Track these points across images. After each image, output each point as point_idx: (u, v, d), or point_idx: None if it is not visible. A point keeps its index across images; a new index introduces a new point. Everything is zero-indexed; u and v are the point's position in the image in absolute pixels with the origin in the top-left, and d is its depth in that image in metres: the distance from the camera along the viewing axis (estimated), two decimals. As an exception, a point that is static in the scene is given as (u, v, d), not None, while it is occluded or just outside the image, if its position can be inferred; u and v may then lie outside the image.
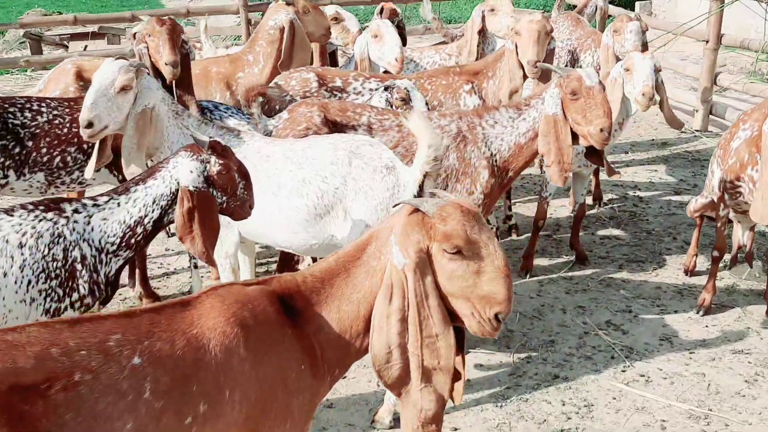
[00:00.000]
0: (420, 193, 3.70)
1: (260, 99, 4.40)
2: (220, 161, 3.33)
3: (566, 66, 6.86)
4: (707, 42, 9.09)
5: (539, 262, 5.87)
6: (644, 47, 6.19)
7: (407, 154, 4.38)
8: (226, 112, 4.77)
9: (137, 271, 5.11)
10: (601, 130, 4.13)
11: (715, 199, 4.96)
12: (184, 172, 3.29)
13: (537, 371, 4.48)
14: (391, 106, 4.68)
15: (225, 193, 3.41)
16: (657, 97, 5.28)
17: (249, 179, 3.51)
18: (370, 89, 5.07)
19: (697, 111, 9.46)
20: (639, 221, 6.63)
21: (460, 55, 6.36)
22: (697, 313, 5.07)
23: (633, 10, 16.39)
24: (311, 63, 6.23)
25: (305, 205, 3.84)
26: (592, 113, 4.15)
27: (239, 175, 3.45)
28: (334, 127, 4.38)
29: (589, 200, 6.99)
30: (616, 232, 6.43)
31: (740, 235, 5.37)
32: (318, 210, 3.84)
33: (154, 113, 3.90)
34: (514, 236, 6.32)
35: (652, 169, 7.94)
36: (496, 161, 4.40)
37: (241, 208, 3.49)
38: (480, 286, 2.35)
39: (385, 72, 5.56)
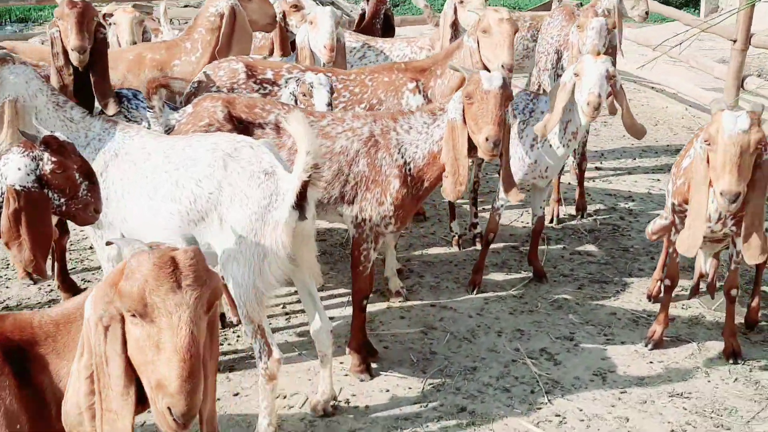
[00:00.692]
0: (302, 203, 3.37)
1: (162, 91, 4.11)
2: (53, 158, 3.07)
3: (552, 67, 6.36)
4: (735, 42, 8.40)
5: (494, 276, 5.46)
6: (612, 48, 5.65)
7: (311, 159, 4.04)
8: (143, 102, 4.50)
9: (55, 264, 4.92)
10: (486, 140, 3.71)
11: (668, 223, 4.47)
12: (12, 169, 3.04)
13: (444, 402, 4.10)
14: (296, 102, 4.36)
15: (63, 194, 3.15)
16: (617, 107, 4.80)
17: (94, 179, 3.24)
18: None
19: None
20: (620, 236, 6.12)
21: (432, 49, 5.95)
22: (645, 346, 4.60)
23: (698, 5, 15.49)
24: (270, 52, 5.94)
25: (178, 210, 3.55)
26: (482, 120, 3.73)
27: (81, 175, 3.18)
28: (239, 124, 4.08)
29: (571, 210, 6.53)
30: (590, 247, 5.94)
31: (702, 263, 4.84)
32: (191, 216, 3.54)
33: (18, 105, 3.66)
34: (478, 245, 5.90)
35: (655, 178, 7.37)
36: (409, 170, 4.02)
37: (83, 212, 3.23)
38: (156, 366, 1.95)
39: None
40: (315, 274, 3.69)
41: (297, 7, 5.73)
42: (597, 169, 7.63)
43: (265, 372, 3.55)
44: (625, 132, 4.94)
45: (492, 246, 5.87)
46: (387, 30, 7.16)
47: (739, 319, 4.76)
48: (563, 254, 5.83)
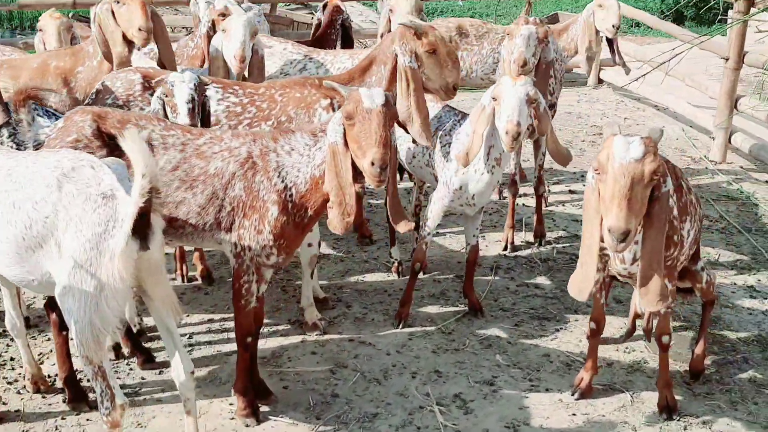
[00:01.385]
0: (144, 231, 3.00)
1: (30, 103, 3.78)
2: None
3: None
4: (727, 60, 7.88)
5: (427, 309, 5.03)
6: (546, 64, 5.19)
7: (187, 179, 3.67)
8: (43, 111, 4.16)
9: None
10: (372, 164, 3.30)
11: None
12: None
13: (331, 453, 3.69)
14: (164, 105, 4.02)
15: None
16: (537, 134, 4.36)
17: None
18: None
19: (714, 138, 8.29)
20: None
21: (376, 62, 5.56)
22: (572, 395, 4.13)
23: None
24: (202, 62, 5.59)
25: (14, 234, 3.20)
26: (365, 142, 3.32)
27: None
28: (110, 140, 3.72)
29: (530, 237, 6.08)
30: (540, 279, 5.48)
31: (636, 302, 4.37)
32: (27, 242, 3.18)
33: None
34: (420, 274, 5.46)
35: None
36: (290, 196, 3.62)
37: None
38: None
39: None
40: (171, 308, 3.31)
41: (224, 16, 5.37)
42: (570, 192, 7.16)
43: (106, 419, 3.17)
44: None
45: (434, 275, 5.47)
46: (346, 41, 6.80)
47: (685, 367, 4.30)
48: (509, 285, 5.37)
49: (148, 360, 4.34)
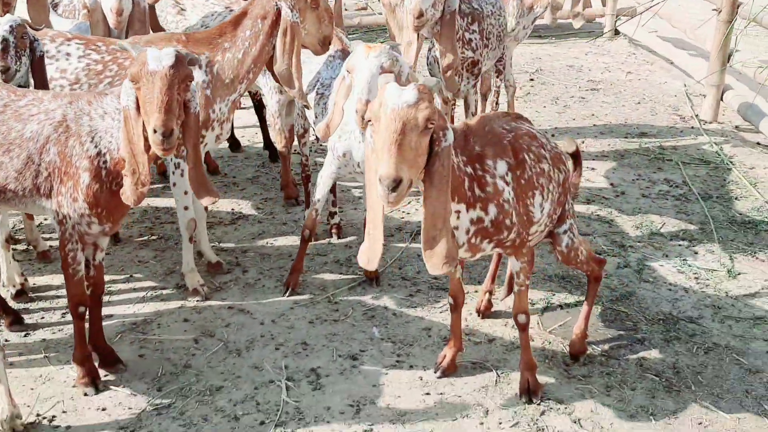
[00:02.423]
0: None
1: None
2: None
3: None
4: (719, 12, 7.27)
5: (328, 276, 4.82)
6: (450, 14, 4.76)
7: (4, 143, 3.54)
8: None
9: None
10: (154, 131, 3.07)
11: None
12: None
13: (158, 428, 3.55)
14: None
15: None
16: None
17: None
18: (67, 53, 4.22)
19: (705, 96, 7.72)
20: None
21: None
22: (435, 372, 3.89)
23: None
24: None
25: None
26: (149, 107, 3.10)
27: None
28: None
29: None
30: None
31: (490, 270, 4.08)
32: None
33: None
34: (334, 238, 5.27)
35: (590, 167, 6.45)
36: (104, 162, 3.43)
37: None
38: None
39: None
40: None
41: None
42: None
43: None
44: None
45: (348, 239, 5.26)
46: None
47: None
48: (420, 253, 5.10)
49: (16, 321, 4.28)
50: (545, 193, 3.46)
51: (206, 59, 4.20)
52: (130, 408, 3.68)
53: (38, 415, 3.62)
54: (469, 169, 3.19)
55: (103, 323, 4.06)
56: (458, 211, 3.20)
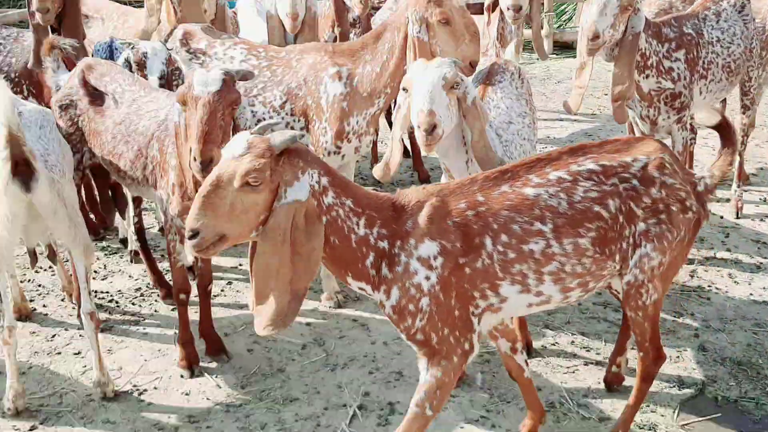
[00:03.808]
0: (26, 175, 3.30)
1: (56, 52, 4.27)
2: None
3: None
4: None
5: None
6: (633, 35, 3.95)
7: (126, 134, 3.88)
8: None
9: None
10: (194, 159, 3.08)
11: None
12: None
13: (216, 418, 3.64)
14: (131, 69, 4.11)
15: None
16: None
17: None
18: (231, 57, 4.43)
19: None
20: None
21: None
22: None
23: None
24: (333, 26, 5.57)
25: None
26: (191, 133, 3.12)
27: None
28: (94, 90, 4.06)
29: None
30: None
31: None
32: None
33: None
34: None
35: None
36: None
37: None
38: None
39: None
40: (80, 251, 3.55)
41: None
42: None
43: (-1, 335, 3.57)
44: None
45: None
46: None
47: None
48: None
49: (168, 295, 4.62)
50: (531, 282, 2.79)
51: (347, 71, 4.15)
52: (208, 399, 3.81)
53: (134, 386, 3.91)
54: (382, 244, 2.68)
55: (234, 313, 4.25)
56: (362, 289, 2.77)
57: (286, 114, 4.28)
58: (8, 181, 3.24)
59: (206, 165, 3.05)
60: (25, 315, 4.38)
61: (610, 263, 2.84)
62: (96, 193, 4.98)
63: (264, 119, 4.32)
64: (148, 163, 3.74)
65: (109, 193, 4.65)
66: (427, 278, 2.65)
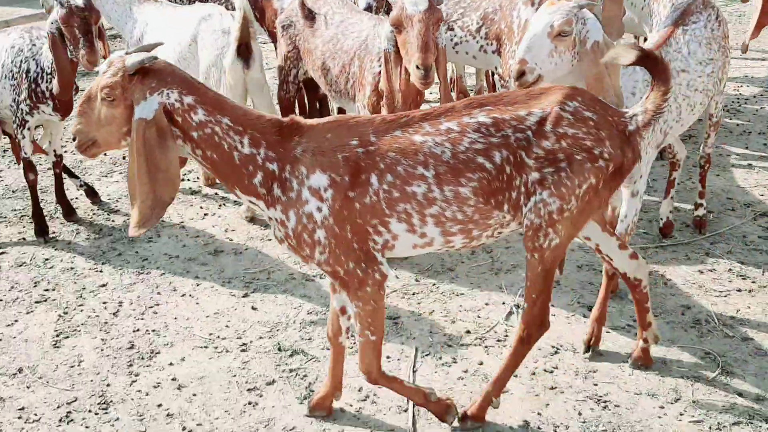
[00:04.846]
0: (247, 55, 4.39)
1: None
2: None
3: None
4: None
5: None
6: None
7: (333, 51, 4.45)
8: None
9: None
10: (417, 68, 3.65)
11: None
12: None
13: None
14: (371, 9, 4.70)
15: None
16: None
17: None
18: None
19: None
20: None
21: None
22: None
23: None
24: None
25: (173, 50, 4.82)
26: (410, 47, 3.72)
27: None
28: (310, 12, 4.70)
29: None
30: None
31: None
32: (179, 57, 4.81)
33: None
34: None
35: None
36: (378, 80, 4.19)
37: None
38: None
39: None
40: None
41: None
42: None
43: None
44: None
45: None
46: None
47: None
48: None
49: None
50: (419, 220, 2.88)
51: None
52: (387, 286, 4.38)
53: (321, 276, 4.56)
54: (272, 166, 2.81)
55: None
56: (253, 204, 2.92)
57: (481, 38, 4.69)
58: (234, 59, 4.27)
59: (428, 71, 3.55)
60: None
61: (497, 213, 2.88)
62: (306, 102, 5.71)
63: (459, 43, 4.79)
64: (349, 78, 4.32)
65: (317, 105, 5.35)
66: (319, 209, 2.77)
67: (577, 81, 3.33)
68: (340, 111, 5.32)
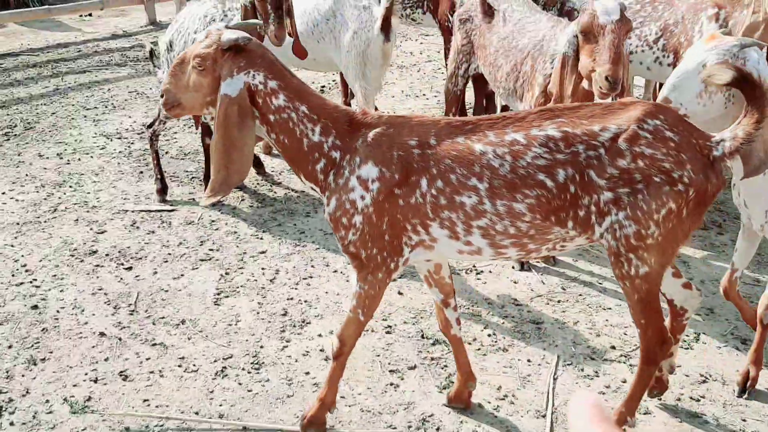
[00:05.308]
0: (387, 29, 4.89)
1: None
2: None
3: None
4: None
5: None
6: None
7: (507, 48, 4.47)
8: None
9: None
10: (606, 79, 3.56)
11: None
12: None
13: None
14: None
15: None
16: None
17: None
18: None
19: None
20: None
21: None
22: None
23: None
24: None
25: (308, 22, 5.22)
26: (599, 57, 3.63)
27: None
28: (489, 8, 4.75)
29: None
30: None
31: None
32: (315, 35, 5.18)
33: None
34: None
35: None
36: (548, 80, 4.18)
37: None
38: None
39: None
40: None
41: None
42: None
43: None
44: None
45: None
46: None
47: None
48: None
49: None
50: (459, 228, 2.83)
51: (725, 14, 4.34)
52: (532, 290, 4.43)
53: (477, 270, 4.63)
54: (334, 154, 2.86)
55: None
56: (313, 189, 2.99)
57: (658, 49, 4.61)
58: (378, 32, 4.77)
59: (617, 84, 3.48)
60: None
61: (558, 229, 2.76)
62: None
63: (635, 52, 4.73)
64: (519, 77, 4.34)
65: (484, 101, 5.40)
66: (362, 198, 2.79)
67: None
68: (504, 109, 5.36)
